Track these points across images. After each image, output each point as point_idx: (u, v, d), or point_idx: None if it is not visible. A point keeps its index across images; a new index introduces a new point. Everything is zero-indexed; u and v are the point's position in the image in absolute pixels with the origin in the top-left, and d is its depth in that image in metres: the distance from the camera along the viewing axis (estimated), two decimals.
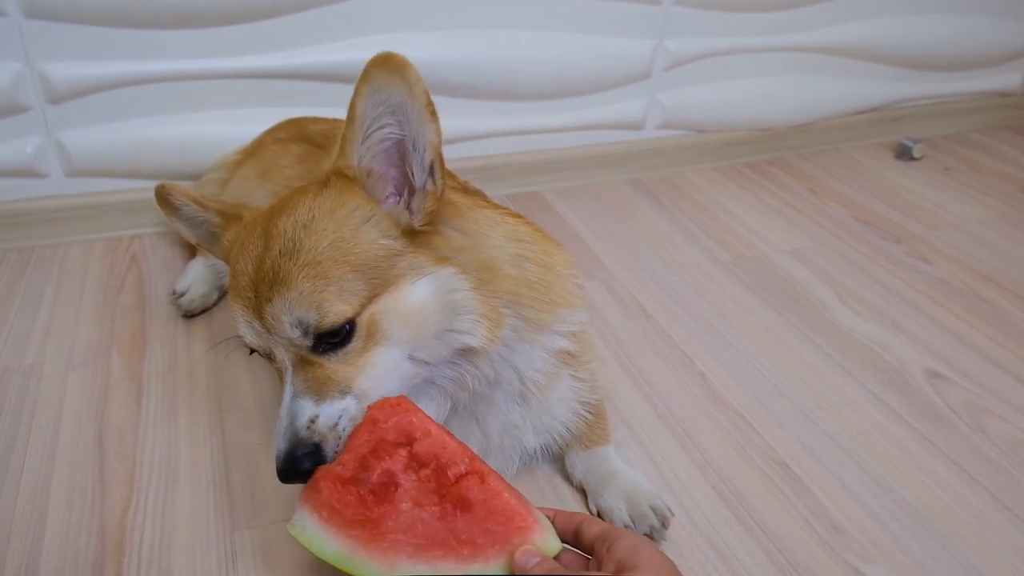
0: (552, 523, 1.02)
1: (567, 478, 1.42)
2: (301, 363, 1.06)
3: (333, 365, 1.05)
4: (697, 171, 2.67)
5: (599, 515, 1.33)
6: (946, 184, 2.67)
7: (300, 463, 1.02)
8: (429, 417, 1.05)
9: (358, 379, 1.06)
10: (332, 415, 1.04)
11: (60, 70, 1.89)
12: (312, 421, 1.03)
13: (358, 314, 1.04)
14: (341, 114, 2.01)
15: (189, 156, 2.07)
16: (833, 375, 1.71)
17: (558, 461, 1.43)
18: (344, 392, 1.05)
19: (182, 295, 1.78)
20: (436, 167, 1.08)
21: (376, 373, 1.07)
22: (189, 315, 1.78)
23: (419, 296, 1.07)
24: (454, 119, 2.27)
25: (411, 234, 1.09)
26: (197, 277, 1.81)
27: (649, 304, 1.93)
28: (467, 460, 1.02)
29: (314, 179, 1.14)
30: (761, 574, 1.24)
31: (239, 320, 1.09)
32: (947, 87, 3.01)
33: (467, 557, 0.96)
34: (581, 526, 1.02)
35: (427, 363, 1.12)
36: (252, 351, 1.13)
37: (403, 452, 1.01)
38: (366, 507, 0.98)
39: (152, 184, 2.08)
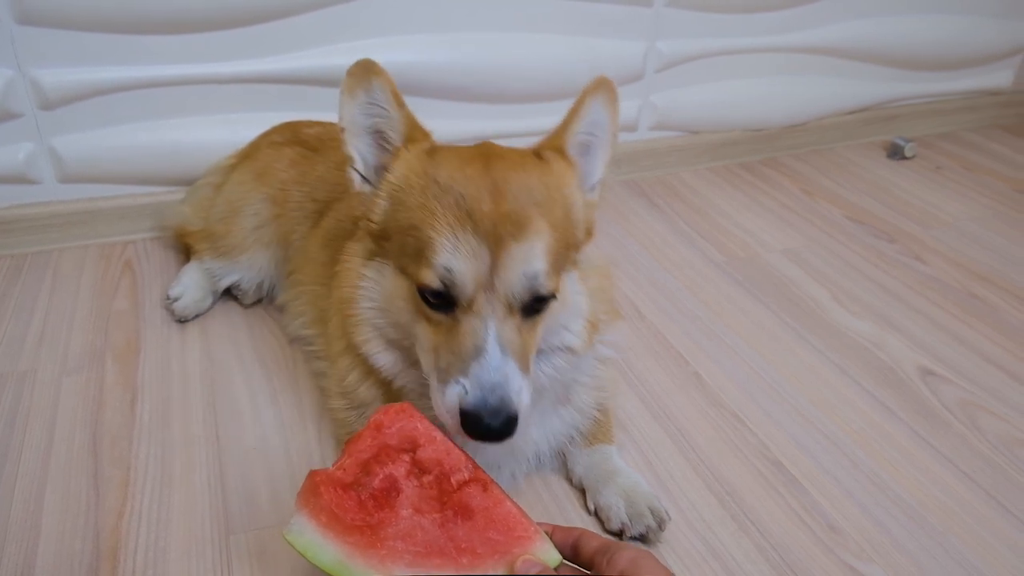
0: (550, 537, 1.01)
1: (564, 478, 1.42)
2: (503, 319, 1.05)
3: (522, 333, 1.07)
4: (691, 172, 2.68)
5: (596, 513, 1.33)
6: (938, 183, 2.68)
7: (503, 426, 1.00)
8: (433, 424, 1.04)
9: (532, 353, 1.08)
10: (529, 392, 1.05)
11: (52, 76, 1.88)
12: (519, 392, 1.03)
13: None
14: (334, 118, 2.01)
15: (182, 161, 2.06)
16: (828, 374, 1.72)
17: (555, 460, 1.43)
18: (526, 367, 1.06)
19: (176, 300, 1.78)
20: (600, 184, 1.22)
21: (534, 352, 1.10)
22: (183, 320, 1.78)
23: (567, 289, 1.14)
24: (448, 122, 2.27)
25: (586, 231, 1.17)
26: (191, 283, 1.81)
27: (643, 305, 1.93)
28: (470, 467, 1.01)
29: (516, 149, 1.19)
30: (757, 573, 1.24)
31: (460, 245, 1.04)
32: (938, 86, 3.02)
33: (467, 566, 0.94)
34: (579, 540, 1.01)
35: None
36: (421, 287, 1.07)
37: (406, 458, 1.01)
38: (366, 512, 0.97)
39: (146, 189, 2.11)
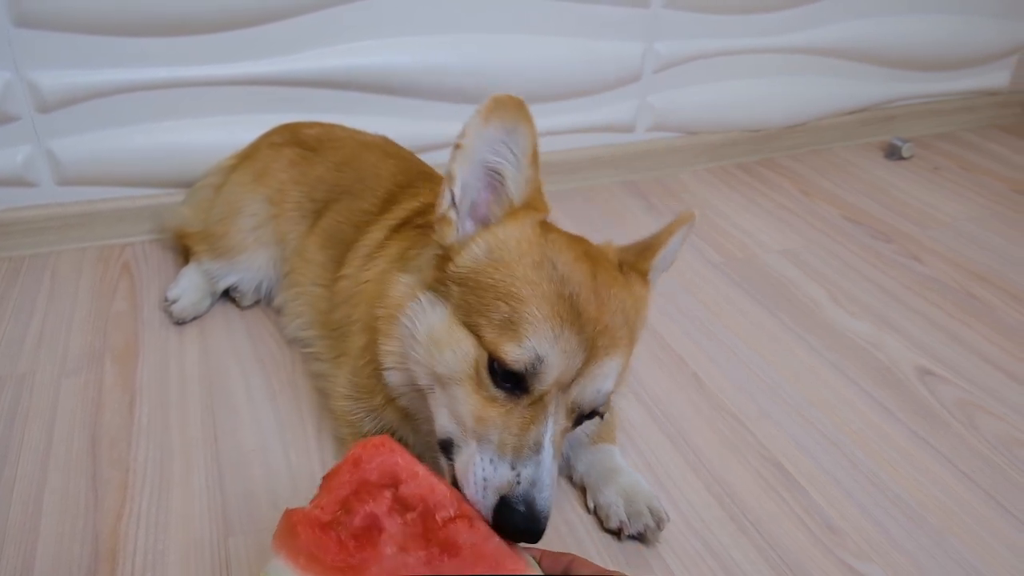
0: (539, 564, 0.98)
1: (564, 476, 1.42)
2: (561, 421, 1.05)
3: (564, 436, 1.08)
4: (688, 172, 2.68)
5: (595, 511, 1.33)
6: (936, 183, 2.68)
7: (536, 531, 0.99)
8: (415, 458, 1.00)
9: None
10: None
11: (49, 79, 1.88)
12: (552, 499, 1.03)
13: None
14: (331, 119, 2.02)
15: (180, 163, 2.06)
16: (826, 374, 1.72)
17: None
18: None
19: (174, 302, 1.78)
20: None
21: None
22: (181, 322, 1.78)
23: None
24: (445, 124, 2.27)
25: None
26: (189, 284, 1.81)
27: None
28: (456, 503, 0.97)
29: (606, 252, 1.20)
30: (755, 573, 1.24)
31: (560, 339, 1.01)
32: (936, 87, 3.03)
33: None
34: (570, 567, 0.98)
35: None
36: (497, 360, 1.03)
37: (387, 494, 0.96)
38: (347, 553, 0.91)
39: (144, 192, 2.11)
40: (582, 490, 1.38)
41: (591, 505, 1.34)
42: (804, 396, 1.65)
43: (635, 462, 1.45)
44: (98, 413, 1.52)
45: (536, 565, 0.96)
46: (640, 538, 1.28)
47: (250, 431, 1.49)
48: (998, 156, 2.91)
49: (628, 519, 1.27)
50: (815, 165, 2.78)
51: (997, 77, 3.13)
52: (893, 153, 2.85)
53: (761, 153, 2.81)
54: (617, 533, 1.29)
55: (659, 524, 1.27)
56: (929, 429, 1.57)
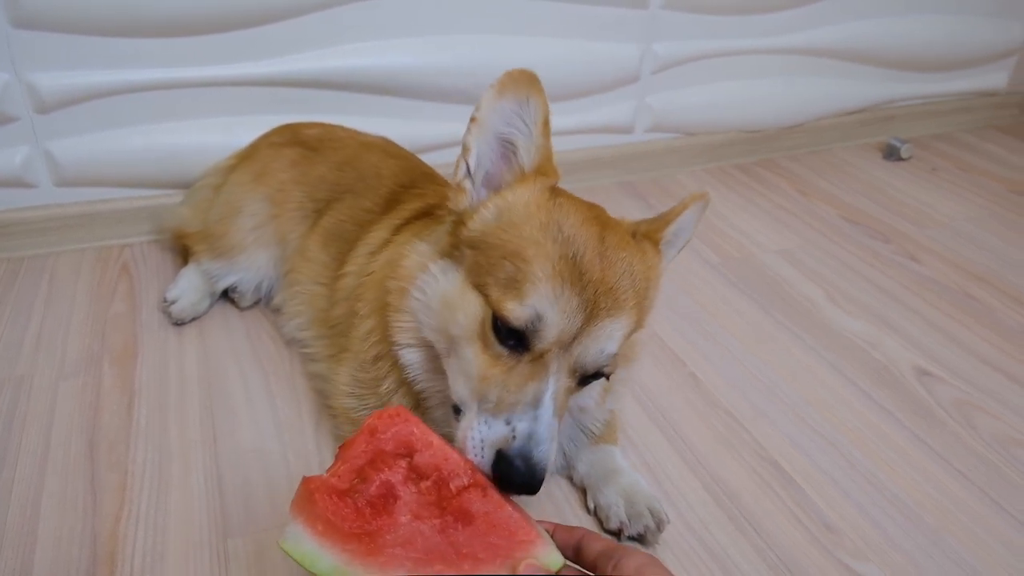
0: (551, 538, 1.00)
1: (564, 476, 1.42)
2: (563, 380, 1.07)
3: (568, 395, 1.09)
4: (686, 173, 2.69)
5: (595, 512, 1.33)
6: (934, 183, 2.68)
7: (533, 481, 1.01)
8: (430, 428, 1.03)
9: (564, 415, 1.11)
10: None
11: (48, 80, 1.88)
12: (552, 454, 1.04)
13: None
14: (331, 120, 2.02)
15: (179, 164, 2.06)
16: (823, 374, 1.72)
17: (557, 459, 1.43)
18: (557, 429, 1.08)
19: (173, 303, 1.78)
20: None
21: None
22: (180, 323, 1.78)
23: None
24: (445, 124, 2.27)
25: None
26: (188, 285, 1.81)
27: None
28: (470, 472, 1.00)
29: (619, 221, 1.20)
30: (753, 572, 1.25)
31: (561, 298, 1.04)
32: (934, 87, 3.03)
33: (468, 571, 0.93)
34: (583, 541, 1.00)
35: None
36: (501, 318, 1.05)
37: (402, 463, 0.99)
38: (363, 520, 0.95)
39: (142, 193, 2.11)
40: (582, 491, 1.38)
41: (591, 506, 1.35)
42: (801, 396, 1.65)
43: (634, 462, 1.46)
44: (96, 415, 1.52)
45: (551, 541, 0.98)
46: (640, 539, 1.29)
47: (249, 432, 1.50)
48: (996, 157, 2.92)
49: (628, 520, 1.28)
50: (813, 166, 2.79)
51: (995, 78, 3.13)
52: (891, 154, 2.86)
53: (759, 154, 2.81)
54: (617, 534, 1.29)
55: (659, 525, 1.27)
56: (926, 429, 1.58)
